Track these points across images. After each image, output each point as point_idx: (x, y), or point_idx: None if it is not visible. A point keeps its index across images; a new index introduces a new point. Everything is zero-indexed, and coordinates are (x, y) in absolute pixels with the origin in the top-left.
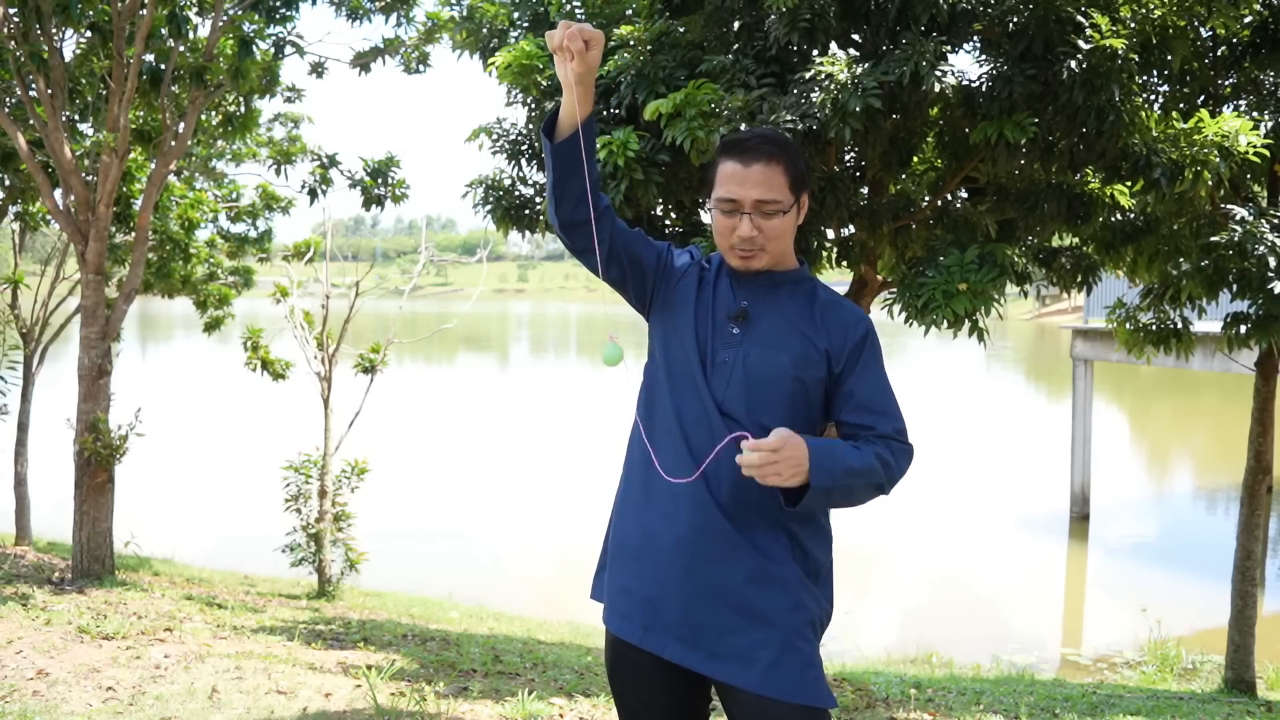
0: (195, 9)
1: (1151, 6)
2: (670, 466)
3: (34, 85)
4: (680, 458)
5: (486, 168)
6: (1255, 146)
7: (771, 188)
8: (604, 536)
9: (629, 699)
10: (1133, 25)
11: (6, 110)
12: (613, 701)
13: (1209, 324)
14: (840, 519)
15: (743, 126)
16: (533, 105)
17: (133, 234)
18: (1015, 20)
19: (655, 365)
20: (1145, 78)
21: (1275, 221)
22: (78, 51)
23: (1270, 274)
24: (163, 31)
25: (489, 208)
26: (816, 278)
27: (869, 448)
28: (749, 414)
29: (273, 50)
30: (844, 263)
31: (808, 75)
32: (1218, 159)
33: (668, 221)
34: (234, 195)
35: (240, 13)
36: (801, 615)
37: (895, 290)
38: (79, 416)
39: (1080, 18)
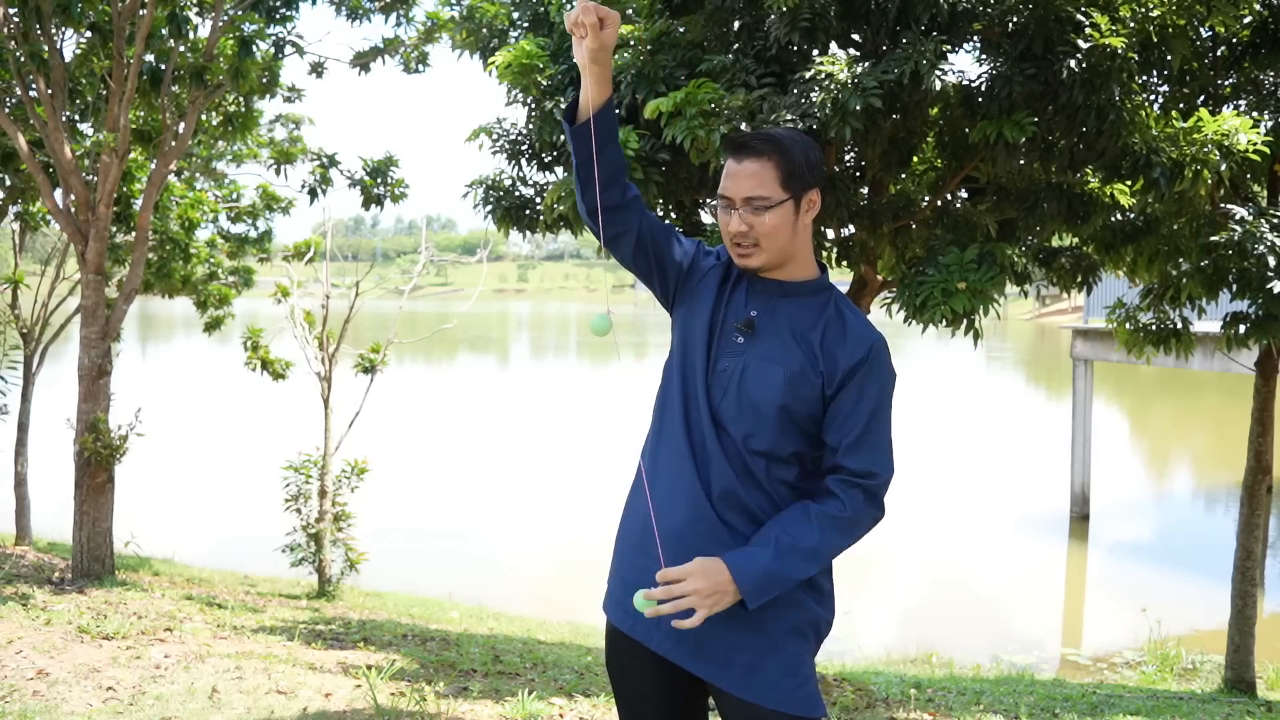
0: (195, 9)
1: (1151, 6)
2: (672, 462)
3: (34, 85)
4: (682, 456)
5: (486, 168)
6: (1255, 144)
7: (760, 183)
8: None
9: (625, 689)
10: (1132, 25)
11: (6, 110)
12: (613, 699)
13: (1209, 324)
14: None
15: (743, 126)
16: (533, 105)
17: (133, 234)
18: (1015, 20)
19: (672, 361)
20: (1145, 77)
21: (1275, 221)
22: (78, 51)
23: (1270, 274)
24: (163, 31)
25: (489, 208)
26: (836, 289)
27: (820, 509)
28: (738, 429)
29: (273, 50)
30: (844, 263)
31: (808, 75)
32: (1218, 157)
33: (668, 221)
34: (234, 195)
35: (240, 13)
36: (786, 622)
37: (895, 290)
38: (79, 416)
39: (1080, 17)
